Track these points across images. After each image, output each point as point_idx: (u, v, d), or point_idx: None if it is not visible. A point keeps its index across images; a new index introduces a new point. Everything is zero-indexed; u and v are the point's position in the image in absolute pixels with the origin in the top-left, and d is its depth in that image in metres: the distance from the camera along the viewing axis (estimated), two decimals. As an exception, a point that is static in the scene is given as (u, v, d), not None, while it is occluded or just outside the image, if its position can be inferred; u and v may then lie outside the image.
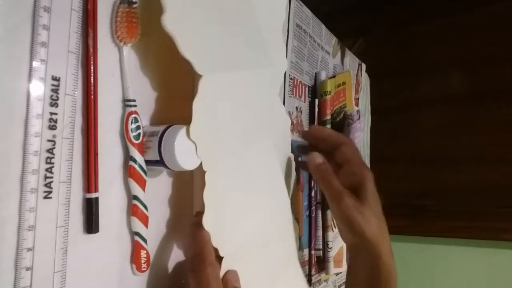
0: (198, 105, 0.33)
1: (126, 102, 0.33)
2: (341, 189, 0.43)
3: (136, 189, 0.33)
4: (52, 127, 0.27)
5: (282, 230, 0.46)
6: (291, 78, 0.60)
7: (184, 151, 0.32)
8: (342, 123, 0.70)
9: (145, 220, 0.33)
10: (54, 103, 0.28)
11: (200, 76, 0.33)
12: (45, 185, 0.27)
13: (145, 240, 0.33)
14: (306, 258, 0.62)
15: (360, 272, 0.44)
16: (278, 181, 0.47)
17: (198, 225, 0.32)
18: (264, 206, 0.43)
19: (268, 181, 0.45)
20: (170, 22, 0.30)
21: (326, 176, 0.44)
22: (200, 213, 0.33)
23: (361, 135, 0.79)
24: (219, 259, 0.33)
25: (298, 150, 0.55)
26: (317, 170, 0.45)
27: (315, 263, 0.64)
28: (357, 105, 0.91)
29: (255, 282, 0.35)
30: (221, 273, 0.33)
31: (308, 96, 0.66)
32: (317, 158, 0.46)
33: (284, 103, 0.56)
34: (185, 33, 0.32)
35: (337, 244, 0.67)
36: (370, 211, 0.42)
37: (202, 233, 0.32)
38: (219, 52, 0.37)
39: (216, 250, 0.33)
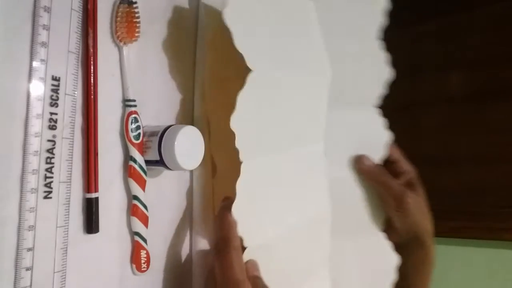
0: (243, 97, 0.33)
1: (126, 102, 0.33)
2: (402, 188, 0.45)
3: (136, 189, 0.33)
4: (52, 127, 0.27)
5: (317, 239, 0.45)
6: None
7: (184, 151, 0.32)
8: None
9: (145, 220, 0.33)
10: (54, 103, 0.28)
11: (250, 70, 0.33)
12: (45, 185, 0.27)
13: (145, 240, 0.33)
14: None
15: (412, 268, 0.47)
16: (322, 191, 0.46)
17: (227, 209, 0.33)
18: (302, 212, 0.42)
19: (311, 188, 0.44)
20: (229, 16, 0.32)
21: (383, 177, 0.46)
22: (228, 198, 0.33)
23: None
24: (243, 249, 0.34)
25: None
26: (371, 173, 0.47)
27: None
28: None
29: (276, 281, 0.35)
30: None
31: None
32: (367, 160, 0.47)
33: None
34: (242, 28, 0.33)
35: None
36: (423, 204, 0.46)
37: (230, 218, 0.33)
38: (273, 51, 0.38)
39: (241, 240, 0.34)
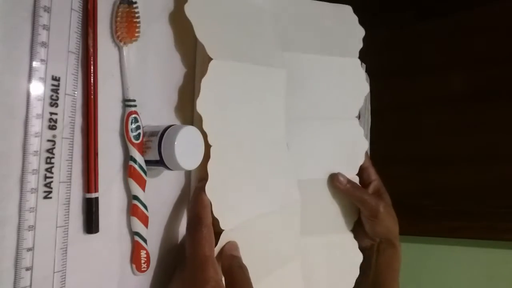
0: (206, 83, 0.36)
1: (126, 102, 0.33)
2: (376, 200, 0.51)
3: (136, 189, 0.33)
4: (52, 127, 0.27)
5: (289, 227, 0.47)
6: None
7: (184, 151, 0.32)
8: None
9: (145, 220, 0.33)
10: (54, 103, 0.28)
11: (210, 59, 0.36)
12: (45, 185, 0.27)
13: (145, 240, 0.33)
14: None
15: (383, 265, 0.53)
16: (290, 181, 0.48)
17: (200, 190, 0.35)
18: (276, 200, 0.44)
19: (280, 177, 0.46)
20: (191, 9, 0.35)
21: (357, 192, 0.51)
22: (204, 180, 0.35)
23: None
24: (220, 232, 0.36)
25: None
26: (346, 190, 0.51)
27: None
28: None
29: (249, 264, 0.36)
30: (220, 244, 0.35)
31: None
32: (342, 177, 0.51)
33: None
34: (203, 20, 0.36)
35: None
36: (392, 210, 0.52)
37: (202, 197, 0.34)
38: (234, 43, 0.40)
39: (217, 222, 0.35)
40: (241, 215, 0.39)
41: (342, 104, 0.54)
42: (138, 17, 0.33)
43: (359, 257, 0.53)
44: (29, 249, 0.26)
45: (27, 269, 0.26)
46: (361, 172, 0.54)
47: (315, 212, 0.51)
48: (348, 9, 0.56)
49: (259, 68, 0.43)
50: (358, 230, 0.54)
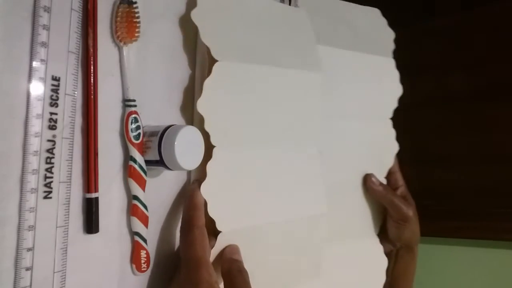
0: (208, 84, 0.36)
1: (126, 102, 0.33)
2: (407, 204, 0.50)
3: (136, 189, 0.33)
4: (52, 127, 0.27)
5: (311, 241, 0.44)
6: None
7: (184, 151, 0.32)
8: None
9: (145, 220, 0.33)
10: (54, 103, 0.28)
11: (211, 59, 0.36)
12: (45, 185, 0.27)
13: (145, 240, 0.33)
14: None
15: (400, 271, 0.53)
16: (316, 192, 0.45)
17: (193, 191, 0.35)
18: (295, 210, 0.42)
19: (303, 188, 0.44)
20: (197, 15, 0.36)
21: (388, 195, 0.50)
22: (197, 180, 0.35)
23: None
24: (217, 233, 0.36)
25: None
26: (378, 192, 0.51)
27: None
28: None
29: (260, 275, 0.36)
30: (218, 247, 0.35)
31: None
32: (374, 179, 0.51)
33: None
34: (209, 25, 0.37)
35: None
36: (417, 216, 0.52)
37: (196, 198, 0.34)
38: (242, 46, 0.40)
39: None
40: (243, 219, 0.38)
41: (375, 103, 0.52)
42: (138, 17, 0.33)
43: (385, 263, 0.52)
44: (29, 249, 0.26)
45: (27, 269, 0.26)
46: (389, 176, 0.53)
47: (341, 216, 0.48)
48: (376, 11, 0.56)
49: (275, 70, 0.42)
50: (379, 235, 0.53)
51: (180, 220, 0.38)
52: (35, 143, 0.26)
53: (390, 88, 0.54)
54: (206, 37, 0.36)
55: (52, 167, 0.27)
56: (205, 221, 0.34)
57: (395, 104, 0.54)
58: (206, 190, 0.35)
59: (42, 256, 0.27)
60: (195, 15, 0.36)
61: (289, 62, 0.43)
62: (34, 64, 0.26)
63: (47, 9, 0.27)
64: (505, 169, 1.17)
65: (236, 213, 0.37)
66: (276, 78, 0.42)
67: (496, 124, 1.18)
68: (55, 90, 0.28)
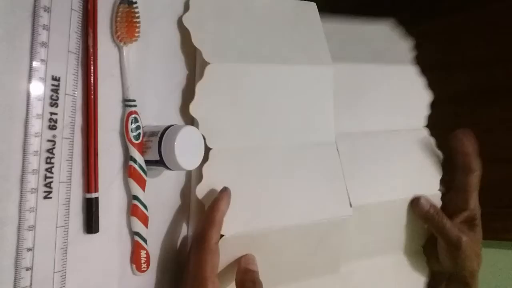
0: (201, 87, 0.36)
1: (126, 102, 0.33)
2: (458, 234, 0.43)
3: (136, 189, 0.33)
4: (52, 127, 0.27)
5: (325, 249, 0.42)
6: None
7: (184, 151, 0.32)
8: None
9: (145, 220, 0.33)
10: (54, 103, 0.28)
11: (207, 63, 0.36)
12: (45, 185, 0.27)
13: (145, 240, 0.33)
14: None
15: None
16: (337, 189, 0.42)
17: (217, 203, 0.33)
18: (305, 214, 0.40)
19: (320, 187, 0.41)
20: (188, 19, 0.36)
21: (439, 221, 0.45)
22: (226, 189, 0.34)
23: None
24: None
25: None
26: (428, 216, 0.45)
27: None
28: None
29: (266, 277, 0.35)
30: (224, 251, 0.34)
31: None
32: (425, 201, 0.45)
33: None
34: (201, 28, 0.37)
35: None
36: (478, 246, 0.45)
37: (215, 214, 0.33)
38: (237, 46, 0.39)
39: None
40: (244, 223, 0.36)
41: (406, 114, 0.50)
42: (138, 17, 0.33)
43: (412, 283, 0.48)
44: (29, 249, 0.26)
45: (27, 269, 0.26)
46: (459, 194, 0.46)
47: (375, 234, 0.46)
48: (390, 22, 0.56)
49: (274, 67, 0.41)
50: (431, 257, 0.49)
51: (180, 219, 0.38)
52: (35, 143, 0.26)
53: (417, 96, 0.53)
54: (197, 40, 0.36)
55: (52, 167, 0.27)
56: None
57: (425, 111, 0.52)
58: (201, 192, 0.35)
59: (42, 256, 0.27)
60: (186, 19, 0.36)
61: (295, 58, 0.43)
62: (34, 64, 0.26)
63: (47, 9, 0.27)
64: (505, 169, 1.17)
65: (239, 216, 0.36)
66: (277, 76, 0.41)
67: (496, 124, 1.18)
68: (55, 90, 0.28)
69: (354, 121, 0.46)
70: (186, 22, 0.36)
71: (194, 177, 0.39)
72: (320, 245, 0.42)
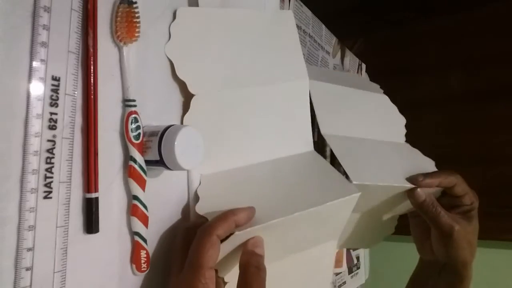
0: (188, 118, 0.38)
1: (126, 102, 0.33)
2: (450, 223, 0.44)
3: (136, 189, 0.33)
4: (52, 127, 0.27)
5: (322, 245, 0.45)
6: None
7: (184, 151, 0.32)
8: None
9: (145, 220, 0.33)
10: (54, 103, 0.28)
11: (193, 95, 0.38)
12: (45, 185, 0.27)
13: (145, 240, 0.33)
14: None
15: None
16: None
17: (204, 232, 0.32)
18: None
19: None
20: (171, 49, 0.37)
21: (432, 209, 0.45)
22: (209, 222, 0.33)
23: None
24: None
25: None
26: (422, 207, 0.46)
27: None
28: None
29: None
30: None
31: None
32: (420, 195, 0.46)
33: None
34: (182, 58, 0.38)
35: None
36: (473, 236, 0.46)
37: (207, 240, 0.31)
38: (218, 74, 0.41)
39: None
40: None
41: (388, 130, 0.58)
42: (138, 17, 0.33)
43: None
44: (29, 249, 0.26)
45: (27, 269, 0.26)
46: (460, 197, 0.48)
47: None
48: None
49: (256, 89, 0.44)
50: (424, 245, 0.50)
51: (180, 220, 0.38)
52: (35, 143, 0.26)
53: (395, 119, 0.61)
54: (181, 72, 0.37)
55: (52, 167, 0.27)
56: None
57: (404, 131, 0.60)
58: (201, 210, 0.36)
59: (42, 256, 0.27)
60: (169, 50, 0.37)
61: (273, 76, 0.45)
62: (34, 64, 0.26)
63: (47, 9, 0.27)
64: (505, 169, 1.17)
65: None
66: (257, 96, 0.44)
67: (496, 124, 1.18)
68: (55, 90, 0.28)
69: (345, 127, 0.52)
70: (168, 53, 0.37)
71: (194, 177, 0.39)
72: (325, 224, 0.43)
